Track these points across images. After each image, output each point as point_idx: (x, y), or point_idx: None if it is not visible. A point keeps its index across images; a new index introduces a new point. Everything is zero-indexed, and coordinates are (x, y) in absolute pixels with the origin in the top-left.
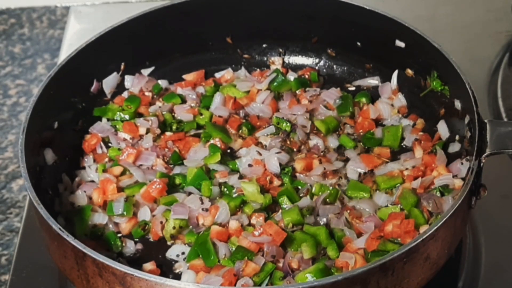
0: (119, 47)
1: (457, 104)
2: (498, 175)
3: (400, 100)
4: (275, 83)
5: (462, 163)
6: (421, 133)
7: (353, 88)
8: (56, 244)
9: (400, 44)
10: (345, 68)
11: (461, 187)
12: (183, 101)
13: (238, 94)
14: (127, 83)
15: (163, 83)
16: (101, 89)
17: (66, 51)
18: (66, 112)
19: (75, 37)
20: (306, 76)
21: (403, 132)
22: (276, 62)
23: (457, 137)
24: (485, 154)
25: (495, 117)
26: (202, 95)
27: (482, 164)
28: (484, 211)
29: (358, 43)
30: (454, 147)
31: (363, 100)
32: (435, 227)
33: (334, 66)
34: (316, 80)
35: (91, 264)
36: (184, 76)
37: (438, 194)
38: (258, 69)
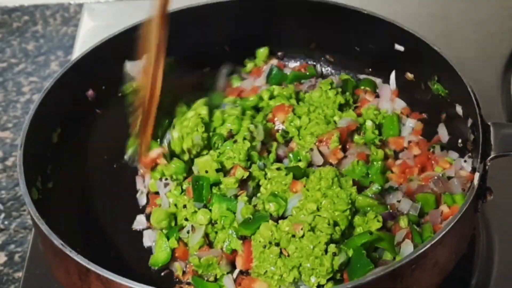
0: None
1: (459, 107)
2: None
3: (400, 104)
4: (272, 77)
5: (465, 161)
6: (420, 137)
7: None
8: (59, 260)
9: (399, 48)
10: (344, 73)
11: (467, 174)
12: None
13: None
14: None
15: None
16: (97, 98)
17: (80, 48)
18: (65, 123)
19: (88, 34)
20: (303, 70)
21: (399, 120)
22: None
23: (459, 141)
24: (490, 157)
25: (509, 114)
26: None
27: (487, 167)
28: (497, 209)
29: (357, 48)
30: (456, 152)
31: (367, 88)
32: (443, 232)
33: (333, 72)
34: (314, 74)
35: (95, 279)
36: None
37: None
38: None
